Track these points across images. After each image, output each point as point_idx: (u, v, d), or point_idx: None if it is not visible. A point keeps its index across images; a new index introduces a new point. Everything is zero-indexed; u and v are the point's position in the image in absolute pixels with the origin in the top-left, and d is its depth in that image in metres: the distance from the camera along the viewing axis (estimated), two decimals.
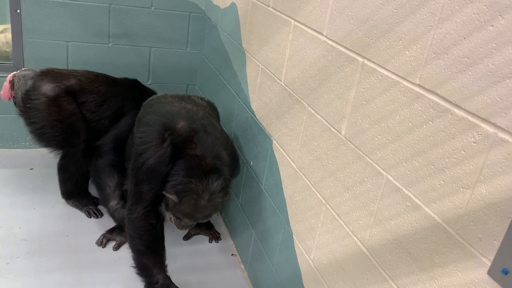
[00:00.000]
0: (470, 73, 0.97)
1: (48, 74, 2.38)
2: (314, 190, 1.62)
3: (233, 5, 2.47)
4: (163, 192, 1.90)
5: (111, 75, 2.60)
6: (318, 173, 1.60)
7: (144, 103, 2.32)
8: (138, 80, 2.66)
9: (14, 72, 2.43)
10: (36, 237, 2.32)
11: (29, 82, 2.34)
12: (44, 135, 2.34)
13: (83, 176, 2.55)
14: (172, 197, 1.89)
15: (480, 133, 0.94)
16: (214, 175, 1.88)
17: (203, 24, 3.07)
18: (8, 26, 2.88)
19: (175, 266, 2.09)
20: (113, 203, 2.39)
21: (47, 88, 2.29)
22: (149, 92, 2.60)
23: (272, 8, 1.95)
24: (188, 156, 1.90)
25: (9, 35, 2.90)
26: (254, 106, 2.19)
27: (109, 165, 2.45)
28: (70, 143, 2.39)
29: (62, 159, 2.50)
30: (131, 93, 2.53)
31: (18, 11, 2.73)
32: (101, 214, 2.56)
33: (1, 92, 2.44)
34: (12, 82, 2.39)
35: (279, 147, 1.91)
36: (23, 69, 2.48)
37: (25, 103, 2.32)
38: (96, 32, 2.88)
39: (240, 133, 2.39)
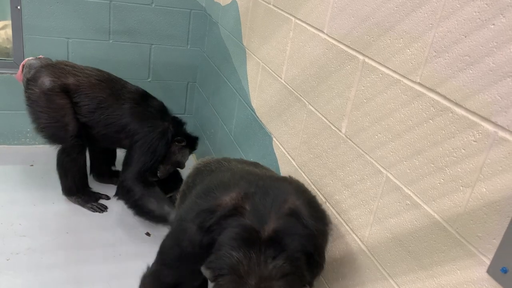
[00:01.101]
0: (470, 71, 0.97)
1: (51, 67, 2.41)
2: (314, 188, 1.62)
3: (234, 2, 2.46)
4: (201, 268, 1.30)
5: (112, 72, 2.60)
6: (318, 171, 1.60)
7: (197, 163, 1.85)
8: (147, 93, 2.62)
9: (28, 58, 2.50)
10: (36, 233, 2.32)
11: (32, 72, 2.41)
12: (35, 124, 2.43)
13: (81, 172, 2.56)
14: (206, 272, 1.29)
15: (480, 131, 0.94)
16: (273, 249, 1.20)
17: (203, 21, 3.07)
18: (9, 22, 2.88)
19: None
20: None
21: (43, 80, 2.35)
22: (158, 107, 2.58)
23: (273, 5, 1.94)
24: (234, 224, 1.29)
25: (9, 32, 2.90)
26: (254, 103, 2.19)
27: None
28: (57, 137, 2.43)
29: (60, 156, 2.51)
30: (137, 111, 2.49)
31: (18, 7, 2.72)
32: (106, 208, 2.58)
33: (17, 74, 2.55)
34: (23, 67, 2.47)
35: (279, 145, 1.91)
36: (38, 57, 2.53)
37: (25, 90, 2.43)
38: (96, 29, 2.87)
39: (240, 131, 2.39)
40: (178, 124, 2.62)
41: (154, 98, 2.62)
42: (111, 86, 2.48)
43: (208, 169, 1.69)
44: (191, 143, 2.68)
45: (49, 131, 2.41)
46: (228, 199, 1.33)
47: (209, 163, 1.73)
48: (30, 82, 2.38)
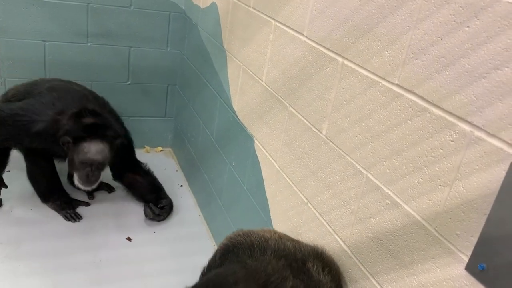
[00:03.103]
0: (447, 73, 0.99)
1: None
2: (296, 189, 1.63)
3: (213, 5, 2.46)
4: None
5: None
6: (299, 172, 1.60)
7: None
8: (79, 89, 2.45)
9: None
10: (13, 240, 2.27)
11: None
12: None
13: (51, 177, 2.51)
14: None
15: (457, 131, 0.96)
16: None
17: (183, 23, 3.05)
18: None
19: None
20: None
21: None
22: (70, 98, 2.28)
23: (253, 8, 1.95)
24: None
25: None
26: (235, 106, 2.19)
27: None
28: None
29: (26, 162, 2.47)
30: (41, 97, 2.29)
31: None
32: (80, 218, 2.52)
33: None
34: None
35: (261, 147, 1.91)
36: None
37: None
38: (74, 32, 2.83)
39: (222, 133, 2.39)
40: (78, 116, 2.19)
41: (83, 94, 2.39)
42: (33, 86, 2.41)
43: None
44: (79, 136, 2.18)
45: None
46: None
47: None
48: None
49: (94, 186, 2.32)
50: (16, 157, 2.72)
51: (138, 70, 3.09)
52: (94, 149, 2.17)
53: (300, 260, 1.34)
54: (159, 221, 2.56)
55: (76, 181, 2.27)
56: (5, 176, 2.55)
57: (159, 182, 2.69)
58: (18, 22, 2.71)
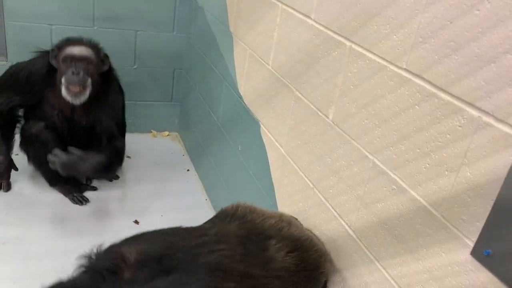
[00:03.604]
0: (456, 57, 0.97)
1: None
2: (302, 174, 1.63)
3: None
4: None
5: None
6: (305, 157, 1.61)
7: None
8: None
9: None
10: (23, 223, 2.29)
11: None
12: None
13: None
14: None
15: (465, 117, 0.96)
16: None
17: (189, 6, 3.02)
18: None
19: None
20: None
21: None
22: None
23: None
24: None
25: None
26: (242, 90, 2.18)
27: None
28: None
29: (30, 148, 2.47)
30: None
31: None
32: (87, 201, 2.54)
33: None
34: None
35: (267, 132, 1.91)
36: None
37: None
38: (80, 15, 2.82)
39: (228, 118, 2.39)
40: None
41: None
42: None
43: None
44: None
45: None
46: None
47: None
48: None
49: (82, 98, 2.22)
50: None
51: (145, 54, 3.08)
52: (77, 47, 2.23)
53: (266, 236, 1.35)
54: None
55: (63, 90, 2.20)
56: (15, 159, 2.57)
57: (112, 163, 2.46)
58: (24, 5, 2.70)
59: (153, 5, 2.95)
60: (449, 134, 1.00)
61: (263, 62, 1.92)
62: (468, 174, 0.95)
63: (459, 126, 0.97)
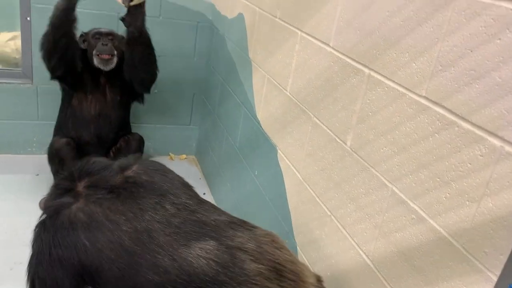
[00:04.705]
0: (476, 86, 0.96)
1: None
2: (319, 201, 1.61)
3: (240, 16, 2.48)
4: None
5: None
6: (323, 184, 1.59)
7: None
8: None
9: None
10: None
11: None
12: None
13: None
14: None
15: (486, 146, 0.94)
16: None
17: (210, 33, 3.09)
18: (18, 33, 2.91)
19: None
20: None
21: None
22: None
23: (279, 19, 1.96)
24: None
25: (18, 42, 2.94)
26: (259, 115, 2.19)
27: None
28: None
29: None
30: None
31: (28, 18, 2.76)
32: None
33: None
34: None
35: (284, 157, 1.91)
36: None
37: None
38: None
39: (245, 143, 2.39)
40: None
41: None
42: None
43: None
44: None
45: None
46: None
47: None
48: None
49: (111, 64, 2.54)
50: (45, 161, 2.78)
51: (165, 79, 3.13)
52: (102, 28, 2.61)
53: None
54: None
55: (95, 59, 2.52)
56: (34, 179, 2.62)
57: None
58: None
59: (175, 31, 3.03)
60: (470, 163, 0.98)
61: (281, 88, 1.93)
62: (490, 204, 0.92)
63: (481, 156, 0.95)
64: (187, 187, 1.42)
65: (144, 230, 1.20)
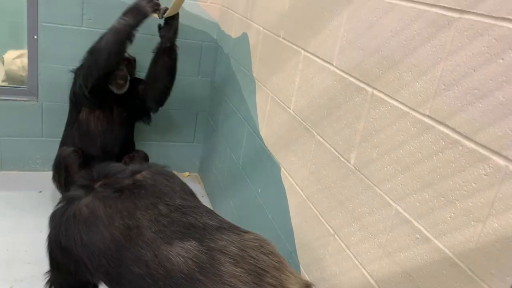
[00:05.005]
0: (480, 105, 0.96)
1: None
2: (322, 219, 1.60)
3: (244, 35, 2.51)
4: None
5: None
6: (326, 202, 1.58)
7: None
8: None
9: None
10: (41, 260, 2.30)
11: None
12: None
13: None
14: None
15: (491, 165, 0.93)
16: None
17: (214, 52, 3.12)
18: (25, 51, 2.95)
19: None
20: None
21: None
22: None
23: (283, 38, 1.98)
24: None
25: (25, 60, 2.97)
26: (263, 133, 2.20)
27: None
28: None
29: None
30: None
31: (35, 37, 2.80)
32: None
33: None
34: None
35: (288, 175, 1.90)
36: None
37: None
38: None
39: (248, 160, 2.39)
40: None
41: None
42: None
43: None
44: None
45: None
46: None
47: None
48: None
49: (124, 88, 2.64)
50: (48, 178, 2.78)
51: (170, 97, 3.15)
52: None
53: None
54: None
55: (112, 83, 2.59)
56: (36, 197, 2.61)
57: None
58: (57, 49, 2.84)
59: (180, 51, 3.04)
60: (474, 183, 0.97)
61: (285, 106, 1.94)
62: (496, 225, 0.91)
63: (485, 175, 0.95)
64: (188, 193, 1.53)
65: (134, 226, 1.32)
